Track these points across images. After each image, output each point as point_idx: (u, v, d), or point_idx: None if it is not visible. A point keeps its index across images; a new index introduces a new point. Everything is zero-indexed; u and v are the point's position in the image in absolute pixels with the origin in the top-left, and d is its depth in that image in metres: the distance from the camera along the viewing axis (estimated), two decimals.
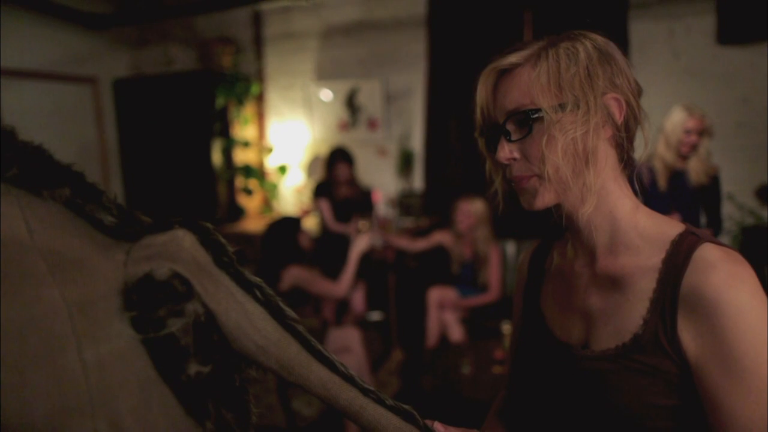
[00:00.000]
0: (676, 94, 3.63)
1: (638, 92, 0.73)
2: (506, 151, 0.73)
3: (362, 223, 2.98)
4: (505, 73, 0.73)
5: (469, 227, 3.38)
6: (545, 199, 0.73)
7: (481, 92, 0.75)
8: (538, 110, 0.69)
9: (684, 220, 0.75)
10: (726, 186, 3.48)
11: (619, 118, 0.72)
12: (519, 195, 0.76)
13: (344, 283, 2.68)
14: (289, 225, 2.82)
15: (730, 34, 3.43)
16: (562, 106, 0.69)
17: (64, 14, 4.18)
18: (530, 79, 0.70)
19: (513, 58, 0.72)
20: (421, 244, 3.56)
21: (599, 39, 0.72)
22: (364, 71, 4.46)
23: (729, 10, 3.41)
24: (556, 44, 0.71)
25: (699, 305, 0.64)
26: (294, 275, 2.57)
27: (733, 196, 3.39)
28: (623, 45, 3.36)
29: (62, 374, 0.51)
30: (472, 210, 3.36)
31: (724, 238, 3.26)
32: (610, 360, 0.71)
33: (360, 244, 2.79)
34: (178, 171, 4.62)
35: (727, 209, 3.38)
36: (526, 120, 0.70)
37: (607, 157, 0.73)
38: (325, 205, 3.80)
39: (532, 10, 3.68)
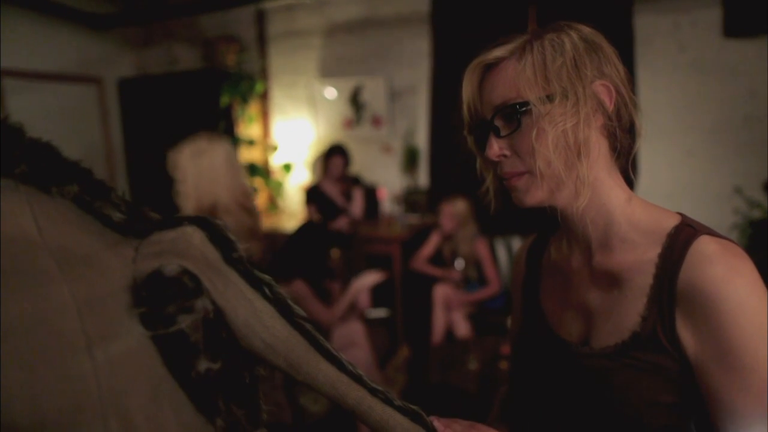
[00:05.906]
0: (682, 88, 3.60)
1: (628, 80, 0.72)
2: (495, 148, 0.71)
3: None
4: (490, 68, 0.72)
5: (454, 228, 3.40)
6: (536, 196, 0.71)
7: (467, 89, 0.74)
8: (526, 103, 0.68)
9: None
10: (734, 179, 3.45)
11: (609, 106, 0.70)
12: (510, 192, 0.74)
13: (336, 312, 2.58)
14: (323, 237, 2.69)
15: (736, 26, 3.40)
16: (550, 98, 0.68)
17: (68, 15, 4.19)
18: (516, 72, 0.69)
19: (498, 52, 0.71)
20: (426, 256, 3.57)
21: (585, 29, 0.71)
22: (368, 68, 4.44)
23: (735, 3, 3.37)
24: (541, 36, 0.70)
25: (697, 301, 0.63)
26: (297, 290, 2.48)
27: (740, 190, 3.37)
28: (628, 39, 3.27)
29: (72, 372, 0.51)
30: (454, 211, 3.36)
31: (733, 233, 3.23)
32: (610, 358, 0.70)
33: (366, 281, 2.66)
34: None
35: (735, 203, 3.35)
36: (514, 114, 0.69)
37: (600, 148, 0.71)
38: (313, 210, 3.87)
39: (536, 4, 3.66)
